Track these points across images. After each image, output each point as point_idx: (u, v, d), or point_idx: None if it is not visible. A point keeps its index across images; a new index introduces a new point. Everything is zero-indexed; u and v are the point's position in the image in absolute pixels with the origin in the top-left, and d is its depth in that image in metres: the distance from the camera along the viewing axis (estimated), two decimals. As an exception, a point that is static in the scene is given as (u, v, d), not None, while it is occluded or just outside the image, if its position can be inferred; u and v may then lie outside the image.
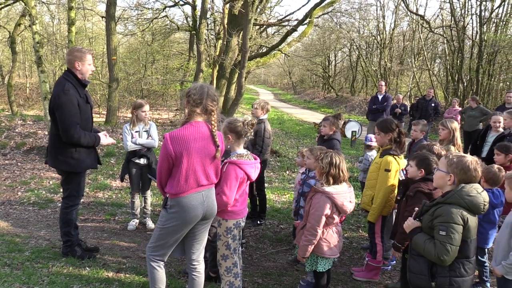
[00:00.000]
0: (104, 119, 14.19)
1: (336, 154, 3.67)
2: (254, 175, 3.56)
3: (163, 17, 19.16)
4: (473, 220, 2.76)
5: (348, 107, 27.76)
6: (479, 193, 2.77)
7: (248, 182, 3.59)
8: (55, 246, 4.80)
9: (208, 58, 17.67)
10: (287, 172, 9.49)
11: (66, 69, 4.28)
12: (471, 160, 2.81)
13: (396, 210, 4.35)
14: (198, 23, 15.48)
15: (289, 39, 18.13)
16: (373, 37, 29.26)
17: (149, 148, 5.63)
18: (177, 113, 17.58)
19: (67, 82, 4.16)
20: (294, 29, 16.55)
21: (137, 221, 5.91)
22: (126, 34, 21.76)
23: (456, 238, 2.68)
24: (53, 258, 4.43)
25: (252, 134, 3.72)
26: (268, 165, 9.77)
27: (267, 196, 7.26)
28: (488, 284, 4.42)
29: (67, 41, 13.78)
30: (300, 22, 16.05)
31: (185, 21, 21.55)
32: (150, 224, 5.84)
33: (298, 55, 34.46)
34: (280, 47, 16.63)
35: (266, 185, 8.15)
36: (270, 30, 24.48)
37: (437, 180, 2.97)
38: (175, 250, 3.35)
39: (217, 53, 14.54)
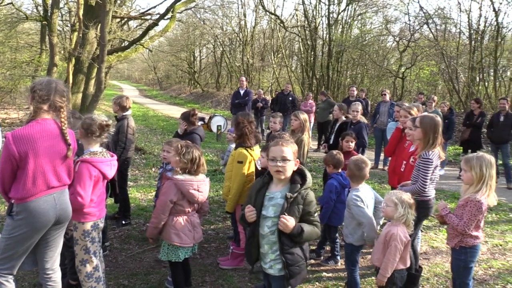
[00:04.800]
0: None
1: (196, 149, 3.76)
2: (111, 173, 3.44)
3: (7, 4, 17.13)
4: None
5: (214, 102, 28.26)
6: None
7: (105, 181, 3.45)
8: None
9: (63, 52, 16.39)
10: (153, 169, 9.32)
11: None
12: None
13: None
14: (50, 13, 14.25)
15: (152, 33, 17.74)
16: (236, 34, 30.17)
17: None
18: (28, 111, 15.89)
19: None
20: (155, 23, 16.23)
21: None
22: (-40, 22, 18.90)
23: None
24: None
25: (112, 131, 3.58)
26: (133, 163, 9.47)
27: (132, 195, 7.07)
28: (339, 257, 4.96)
29: None
30: (162, 16, 15.81)
31: (35, 10, 19.61)
32: (-3, 236, 5.22)
33: (162, 50, 33.90)
34: (142, 41, 16.16)
35: (131, 183, 7.91)
36: (132, 23, 23.65)
37: (291, 169, 2.93)
38: (25, 261, 3.06)
39: (73, 46, 13.54)
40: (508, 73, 18.96)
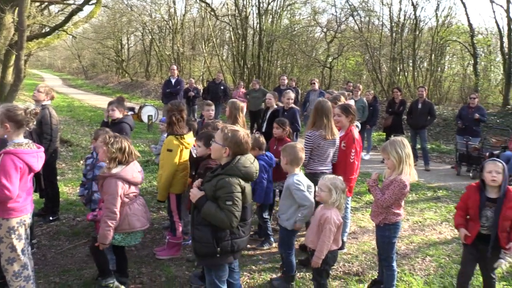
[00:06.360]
0: None
1: (125, 139, 3.72)
2: (37, 165, 3.26)
3: None
4: (248, 187, 3.15)
5: (144, 92, 27.50)
6: (252, 163, 3.12)
7: (32, 174, 3.27)
8: None
9: (-26, 37, 15.07)
10: (81, 161, 8.93)
11: None
12: (243, 133, 3.11)
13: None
14: (-43, -6, 12.98)
15: (76, 19, 16.77)
16: (165, 22, 29.44)
17: None
18: None
19: None
20: (79, 8, 15.36)
21: None
22: None
23: (239, 204, 3.01)
24: None
25: (35, 123, 3.37)
26: (59, 155, 9.02)
27: (59, 189, 6.74)
28: (272, 239, 5.12)
29: None
30: (87, 1, 14.99)
31: None
32: None
33: (87, 37, 32.19)
34: (65, 27, 15.24)
35: (58, 177, 7.53)
36: (54, 8, 22.19)
37: (214, 153, 3.16)
38: None
39: (-14, 32, 12.46)
40: (425, 64, 20.35)
